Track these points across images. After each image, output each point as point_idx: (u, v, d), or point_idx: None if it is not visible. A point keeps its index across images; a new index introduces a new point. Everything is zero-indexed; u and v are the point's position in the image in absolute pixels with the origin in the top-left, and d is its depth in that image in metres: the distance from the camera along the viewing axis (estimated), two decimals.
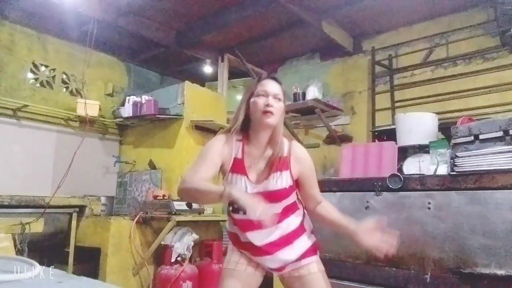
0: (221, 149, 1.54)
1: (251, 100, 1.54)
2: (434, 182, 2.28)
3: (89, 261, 3.15)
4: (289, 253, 1.58)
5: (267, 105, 1.49)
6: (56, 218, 3.09)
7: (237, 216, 1.56)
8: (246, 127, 1.57)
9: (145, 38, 4.11)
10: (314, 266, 1.61)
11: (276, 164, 1.52)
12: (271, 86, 1.54)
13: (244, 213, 1.41)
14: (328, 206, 1.67)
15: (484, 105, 3.28)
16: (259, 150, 1.56)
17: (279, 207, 1.56)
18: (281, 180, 1.53)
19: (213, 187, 1.43)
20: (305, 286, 1.59)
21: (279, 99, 1.53)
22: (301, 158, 1.60)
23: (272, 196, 1.50)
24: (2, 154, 3.43)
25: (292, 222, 1.61)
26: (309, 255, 1.62)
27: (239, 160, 1.54)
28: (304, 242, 1.63)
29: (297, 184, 1.62)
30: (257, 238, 1.55)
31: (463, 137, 2.27)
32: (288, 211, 1.60)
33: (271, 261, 1.60)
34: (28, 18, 3.74)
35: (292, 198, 1.61)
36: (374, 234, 1.50)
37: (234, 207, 1.52)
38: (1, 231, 2.39)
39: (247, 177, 1.53)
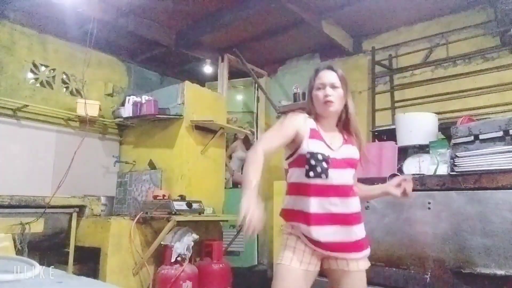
0: (297, 122, 1.68)
1: (312, 94, 1.72)
2: (434, 182, 2.28)
3: (89, 261, 3.15)
4: (352, 232, 1.63)
5: (325, 96, 1.66)
6: (56, 218, 3.08)
7: (318, 181, 1.60)
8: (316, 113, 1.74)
9: (145, 38, 4.11)
10: (363, 264, 1.68)
11: (348, 137, 1.73)
12: (326, 76, 1.69)
13: (326, 177, 1.58)
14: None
15: (484, 105, 3.28)
16: (330, 127, 1.73)
17: (350, 178, 1.66)
18: (351, 151, 1.70)
19: (248, 178, 1.50)
20: (350, 282, 1.65)
21: (337, 87, 1.67)
22: (359, 138, 1.77)
23: (348, 163, 1.66)
24: (2, 154, 3.43)
25: (358, 203, 1.69)
26: (366, 247, 1.68)
27: (315, 130, 1.68)
28: (363, 230, 1.68)
29: None
30: (336, 206, 1.60)
31: (463, 137, 2.27)
32: (353, 192, 1.67)
33: (339, 234, 1.61)
34: (28, 18, 3.73)
35: (355, 177, 1.72)
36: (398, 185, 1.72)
37: (317, 171, 1.59)
38: (1, 231, 2.40)
39: (325, 143, 1.66)
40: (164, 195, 3.41)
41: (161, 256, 3.19)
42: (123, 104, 4.03)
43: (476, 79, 3.40)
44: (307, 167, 1.61)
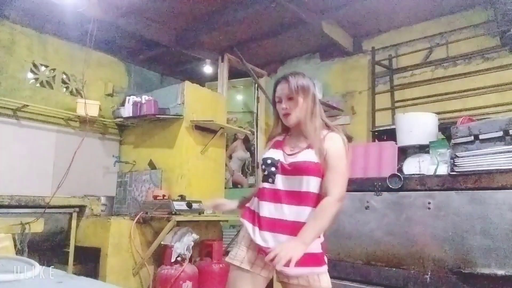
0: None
1: (276, 107, 1.75)
2: (434, 182, 2.28)
3: (89, 261, 3.15)
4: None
5: (282, 109, 1.69)
6: (56, 218, 3.09)
7: (267, 186, 1.65)
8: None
9: (145, 38, 4.11)
10: (325, 279, 1.58)
11: (305, 143, 1.67)
12: (280, 90, 1.71)
13: (272, 182, 1.63)
14: (320, 204, 1.56)
15: (484, 105, 3.28)
16: (298, 137, 1.73)
17: (301, 184, 1.58)
18: (305, 155, 1.63)
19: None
20: None
21: (292, 98, 1.67)
22: (328, 144, 1.62)
23: (299, 168, 1.61)
24: (2, 154, 3.43)
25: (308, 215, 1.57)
26: (317, 263, 1.56)
27: (280, 141, 1.76)
28: (315, 246, 1.56)
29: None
30: (269, 210, 1.61)
31: (463, 137, 2.27)
32: (309, 200, 1.57)
33: (274, 239, 1.56)
34: (28, 18, 3.74)
35: (315, 185, 1.59)
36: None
37: (265, 175, 1.66)
38: (1, 231, 2.39)
39: (283, 151, 1.70)
40: (164, 195, 3.41)
41: (161, 256, 3.19)
42: (123, 104, 4.03)
43: (476, 79, 3.40)
44: (261, 172, 1.72)
